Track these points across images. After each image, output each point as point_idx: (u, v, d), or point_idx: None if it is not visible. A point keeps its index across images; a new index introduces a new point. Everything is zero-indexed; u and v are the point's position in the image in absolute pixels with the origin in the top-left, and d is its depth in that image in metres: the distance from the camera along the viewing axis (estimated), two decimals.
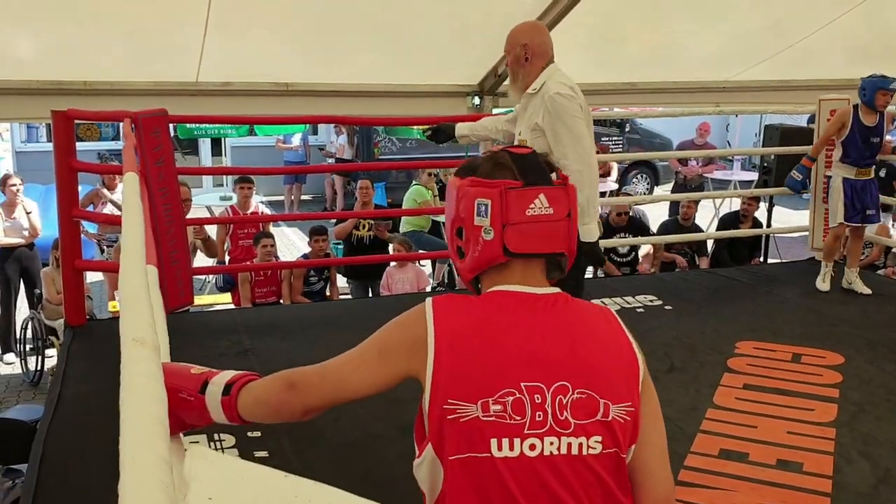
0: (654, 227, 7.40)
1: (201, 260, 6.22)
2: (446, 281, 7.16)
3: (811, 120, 6.81)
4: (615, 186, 9.97)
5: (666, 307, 4.75)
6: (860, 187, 4.97)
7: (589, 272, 6.22)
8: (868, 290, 5.03)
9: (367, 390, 1.29)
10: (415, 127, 9.76)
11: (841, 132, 4.97)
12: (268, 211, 8.82)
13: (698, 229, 6.95)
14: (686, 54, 5.89)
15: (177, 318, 4.14)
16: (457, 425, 1.20)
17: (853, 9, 5.31)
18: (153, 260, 2.37)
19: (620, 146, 12.55)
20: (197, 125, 9.59)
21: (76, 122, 4.29)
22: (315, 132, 12.93)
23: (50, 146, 4.32)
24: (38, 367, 5.89)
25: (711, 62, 6.00)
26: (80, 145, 4.51)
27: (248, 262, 6.06)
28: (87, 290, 5.10)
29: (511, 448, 1.19)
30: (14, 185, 6.30)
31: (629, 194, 10.09)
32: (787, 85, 6.37)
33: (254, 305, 5.71)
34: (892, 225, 7.95)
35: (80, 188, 4.32)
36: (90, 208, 6.59)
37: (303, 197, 12.11)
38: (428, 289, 6.35)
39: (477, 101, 5.56)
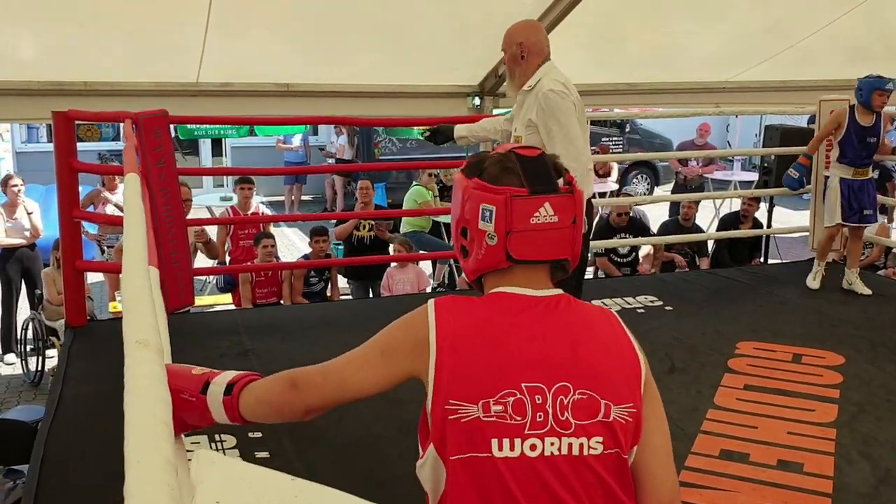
0: (654, 228, 7.41)
1: (202, 260, 6.21)
2: (447, 282, 7.16)
3: (811, 120, 6.81)
4: (615, 187, 9.96)
5: (666, 308, 4.75)
6: (857, 187, 4.98)
7: (589, 272, 6.23)
8: (868, 291, 5.02)
9: (370, 390, 1.29)
10: (415, 127, 9.76)
11: (837, 132, 4.98)
12: (268, 211, 8.83)
13: (699, 230, 6.95)
14: (686, 54, 5.89)
15: (178, 319, 4.14)
16: (458, 425, 1.20)
17: (853, 9, 5.31)
18: (154, 261, 2.37)
19: (620, 146, 12.55)
20: (197, 126, 9.60)
21: (77, 122, 4.29)
22: (315, 133, 12.92)
23: (50, 147, 4.32)
24: (39, 368, 5.90)
25: (711, 62, 6.00)
26: (80, 146, 4.51)
27: (248, 263, 6.06)
28: (87, 291, 5.11)
29: (512, 448, 1.20)
30: (16, 185, 6.30)
31: (629, 195, 10.08)
32: (787, 85, 6.37)
33: (254, 306, 5.71)
34: (889, 226, 7.94)
35: (80, 189, 4.32)
36: (90, 209, 6.60)
37: (303, 197, 12.10)
38: (428, 289, 6.35)
39: (477, 101, 5.56)
